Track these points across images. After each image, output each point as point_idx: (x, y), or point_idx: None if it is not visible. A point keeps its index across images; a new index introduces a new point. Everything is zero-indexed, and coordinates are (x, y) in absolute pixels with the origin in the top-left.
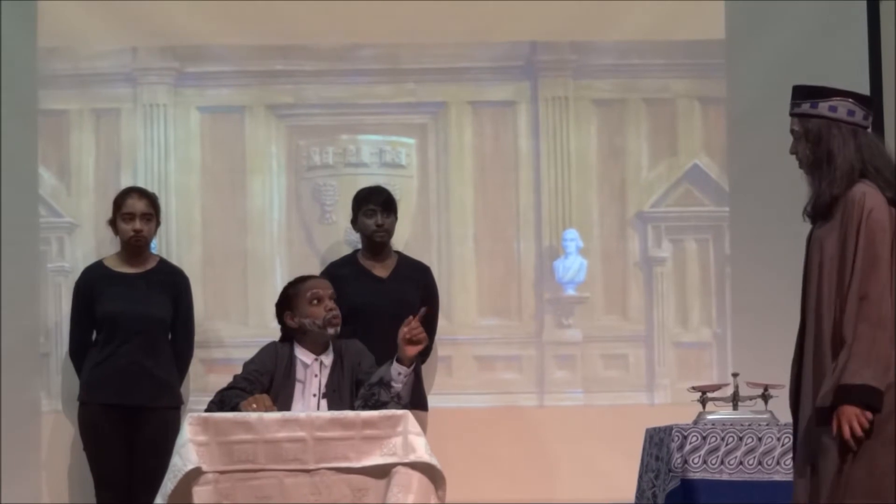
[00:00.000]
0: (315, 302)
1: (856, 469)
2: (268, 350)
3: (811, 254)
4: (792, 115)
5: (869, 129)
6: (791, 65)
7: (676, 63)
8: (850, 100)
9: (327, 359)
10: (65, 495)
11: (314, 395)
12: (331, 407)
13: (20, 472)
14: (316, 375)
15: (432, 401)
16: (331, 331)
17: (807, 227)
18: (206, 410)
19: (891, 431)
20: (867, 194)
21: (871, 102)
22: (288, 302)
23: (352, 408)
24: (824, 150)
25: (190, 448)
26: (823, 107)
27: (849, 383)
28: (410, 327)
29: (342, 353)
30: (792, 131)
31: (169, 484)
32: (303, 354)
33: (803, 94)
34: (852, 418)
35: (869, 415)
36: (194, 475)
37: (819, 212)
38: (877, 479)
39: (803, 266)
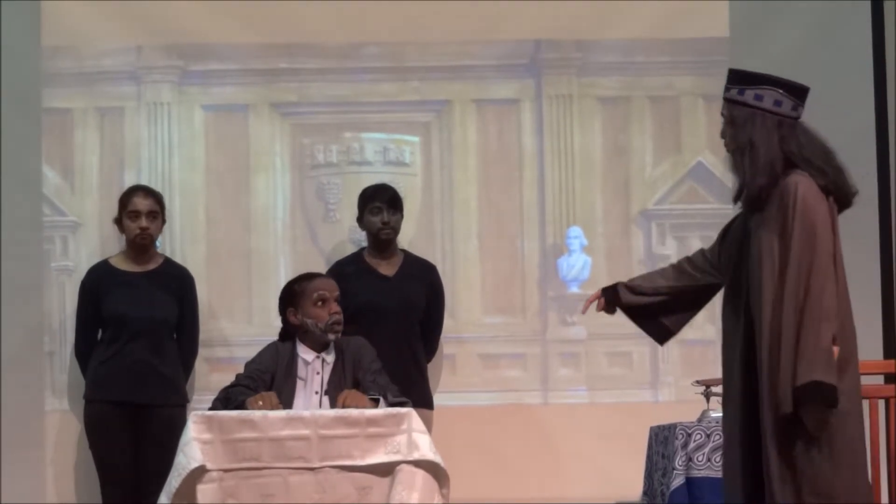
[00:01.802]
0: (320, 304)
1: (823, 468)
2: (269, 349)
3: (749, 247)
4: (723, 98)
5: (799, 119)
6: (795, 62)
7: (681, 61)
8: (781, 90)
9: (329, 356)
10: (70, 494)
11: (316, 393)
12: (333, 404)
13: (25, 470)
14: (318, 373)
15: (437, 399)
16: (331, 336)
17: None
18: (211, 408)
19: (850, 429)
20: (800, 184)
21: (805, 93)
22: (292, 298)
23: None
24: (746, 138)
25: (194, 446)
26: (749, 94)
27: (801, 384)
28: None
29: (343, 350)
30: (721, 115)
31: (173, 482)
32: (304, 352)
33: (735, 79)
34: (815, 417)
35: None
36: (199, 473)
37: (752, 204)
38: (844, 477)
39: (732, 255)
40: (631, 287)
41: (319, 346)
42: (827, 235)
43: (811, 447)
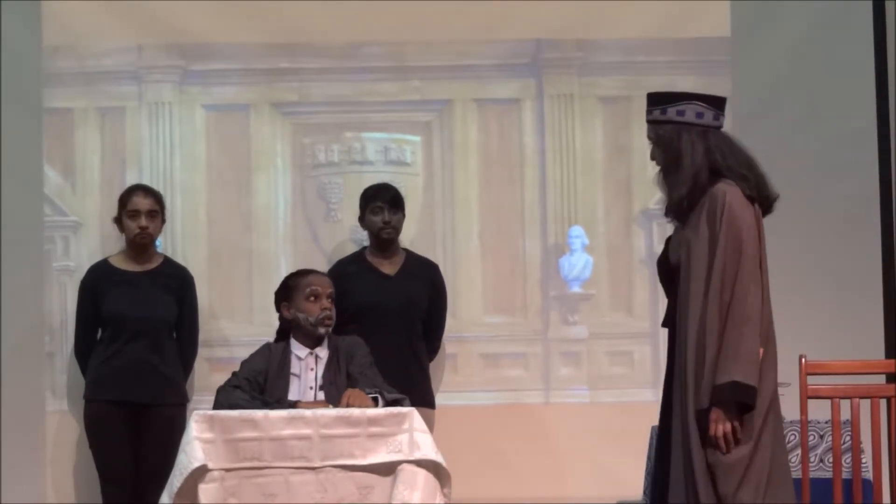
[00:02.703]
0: (312, 298)
1: (734, 466)
2: (261, 350)
3: (679, 254)
4: (647, 121)
5: (721, 129)
6: (796, 62)
7: (682, 60)
8: (699, 102)
9: (322, 352)
10: (70, 494)
11: (310, 388)
12: (328, 399)
13: (25, 470)
14: (312, 369)
15: (438, 398)
16: (321, 330)
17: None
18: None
19: (768, 430)
20: (728, 192)
21: (723, 102)
22: (287, 293)
23: None
24: (674, 153)
25: (196, 445)
26: (671, 111)
27: (720, 383)
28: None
29: (338, 348)
30: (648, 138)
31: (175, 482)
32: (298, 349)
33: (654, 101)
34: (722, 420)
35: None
36: (200, 473)
37: (676, 213)
38: (754, 477)
39: (663, 265)
40: None
41: (312, 342)
42: (753, 241)
43: (716, 450)
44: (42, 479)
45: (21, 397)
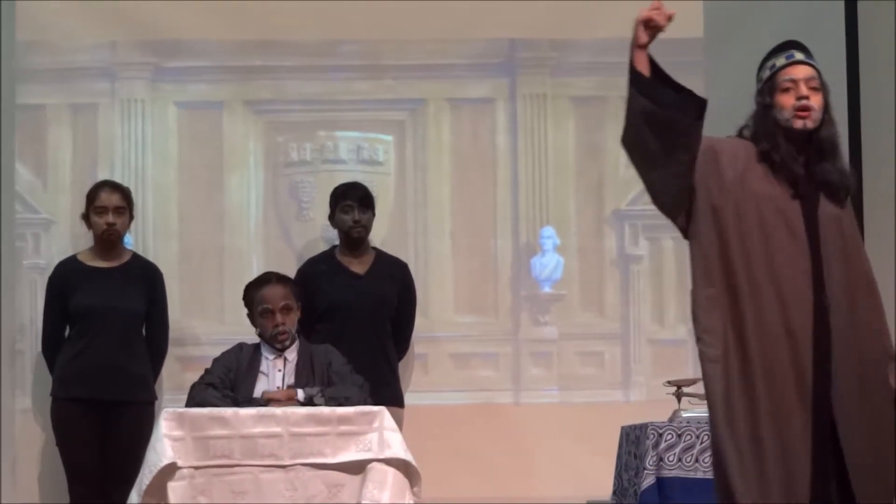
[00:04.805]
0: (266, 315)
1: None
2: (234, 348)
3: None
4: (811, 65)
5: None
6: None
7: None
8: None
9: (291, 354)
10: (36, 493)
11: (277, 388)
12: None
13: None
14: (280, 370)
15: (408, 398)
16: (277, 345)
17: None
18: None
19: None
20: None
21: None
22: (247, 303)
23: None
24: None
25: (165, 443)
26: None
27: None
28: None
29: (312, 354)
30: (814, 80)
31: (144, 479)
32: (266, 350)
33: (805, 49)
34: None
35: None
36: (169, 470)
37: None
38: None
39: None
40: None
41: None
42: None
43: None
44: (9, 478)
45: None
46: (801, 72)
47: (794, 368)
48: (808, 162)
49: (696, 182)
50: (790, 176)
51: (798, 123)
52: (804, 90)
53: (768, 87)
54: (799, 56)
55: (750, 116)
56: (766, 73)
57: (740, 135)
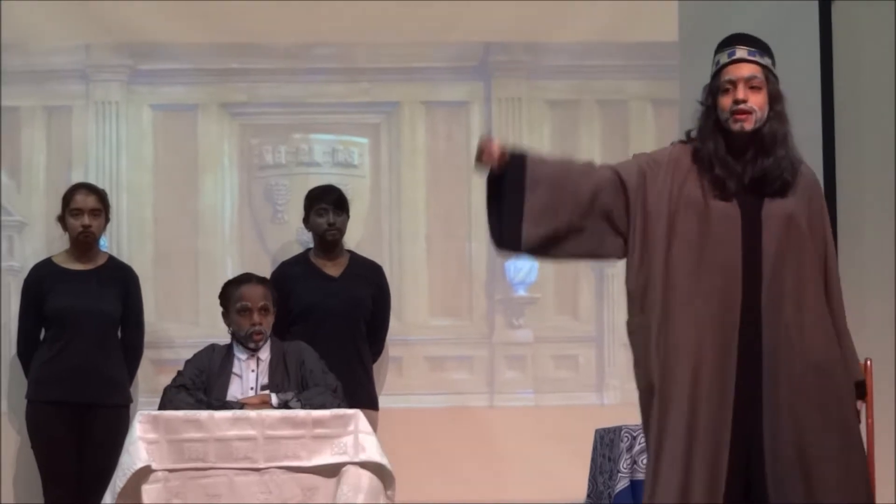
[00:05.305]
0: (243, 312)
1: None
2: (206, 350)
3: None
4: (760, 64)
5: None
6: None
7: (630, 65)
8: None
9: (264, 354)
10: (10, 495)
11: (251, 389)
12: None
13: None
14: (253, 370)
15: (383, 401)
16: (251, 345)
17: None
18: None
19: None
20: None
21: None
22: (224, 301)
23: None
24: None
25: (140, 446)
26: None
27: (859, 380)
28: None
29: (285, 353)
30: (757, 77)
31: (118, 482)
32: (238, 350)
33: (761, 45)
34: None
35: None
36: (144, 473)
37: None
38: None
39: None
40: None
41: (251, 347)
42: None
43: None
44: None
45: None
46: (742, 70)
47: (720, 374)
48: (753, 160)
49: (629, 212)
50: (726, 176)
51: (735, 126)
52: (741, 93)
53: (711, 88)
54: (741, 53)
55: (696, 118)
56: (713, 70)
57: (688, 137)
